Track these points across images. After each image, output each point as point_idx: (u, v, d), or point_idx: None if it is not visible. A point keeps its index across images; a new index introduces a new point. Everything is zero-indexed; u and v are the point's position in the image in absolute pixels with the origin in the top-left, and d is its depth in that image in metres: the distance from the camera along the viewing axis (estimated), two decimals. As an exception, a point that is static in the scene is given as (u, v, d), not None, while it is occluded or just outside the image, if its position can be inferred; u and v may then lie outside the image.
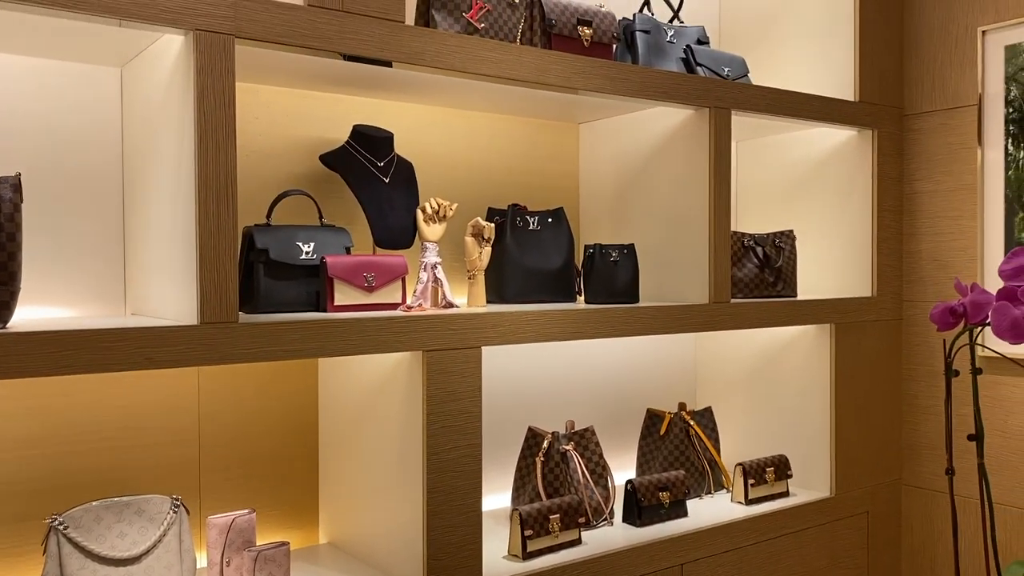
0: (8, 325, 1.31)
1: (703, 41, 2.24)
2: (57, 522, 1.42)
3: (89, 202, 1.66)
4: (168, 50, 1.46)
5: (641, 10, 2.20)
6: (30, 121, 1.59)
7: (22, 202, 1.31)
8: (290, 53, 1.53)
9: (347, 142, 1.88)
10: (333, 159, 1.87)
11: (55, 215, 1.62)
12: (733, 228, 2.63)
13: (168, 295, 1.49)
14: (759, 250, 2.28)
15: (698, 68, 2.14)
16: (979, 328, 1.49)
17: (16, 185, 1.28)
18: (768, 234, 2.31)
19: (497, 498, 2.20)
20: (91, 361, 1.26)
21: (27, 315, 1.59)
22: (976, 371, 1.39)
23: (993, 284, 2.31)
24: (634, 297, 2.02)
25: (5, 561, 1.56)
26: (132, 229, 1.66)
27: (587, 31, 1.93)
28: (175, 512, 1.53)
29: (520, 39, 1.88)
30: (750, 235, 2.28)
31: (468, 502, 1.65)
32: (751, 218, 2.65)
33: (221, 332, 1.38)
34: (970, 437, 1.37)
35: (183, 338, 1.34)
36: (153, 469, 1.73)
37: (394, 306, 1.75)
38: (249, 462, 1.84)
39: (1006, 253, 2.29)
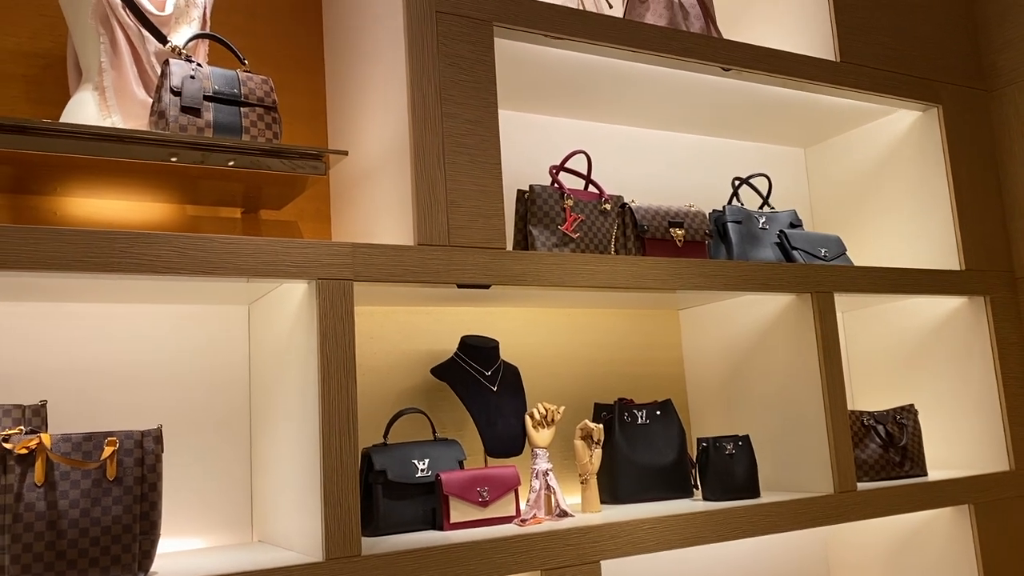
0: (147, 574, 1.37)
1: (796, 224, 2.27)
2: None
3: (218, 434, 1.76)
4: (293, 292, 1.59)
5: (731, 200, 2.26)
6: (163, 361, 1.73)
7: (163, 452, 1.40)
8: (403, 288, 1.64)
9: (456, 354, 1.95)
10: (443, 372, 1.94)
11: (186, 450, 1.72)
12: (850, 407, 2.55)
13: (293, 525, 1.55)
14: (881, 429, 2.19)
15: (794, 252, 2.16)
16: None
17: (158, 436, 1.38)
18: (888, 411, 2.23)
19: None
20: (224, 607, 1.30)
21: (159, 547, 1.66)
22: None
23: None
24: (754, 491, 1.95)
25: None
26: (259, 459, 1.74)
27: (679, 232, 1.99)
28: None
29: (614, 245, 1.96)
30: (869, 413, 2.21)
31: None
32: (867, 393, 2.56)
33: (346, 568, 1.41)
34: None
35: (309, 577, 1.38)
36: None
37: (509, 519, 1.75)
38: None
39: None
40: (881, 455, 2.17)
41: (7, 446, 1.29)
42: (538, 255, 1.74)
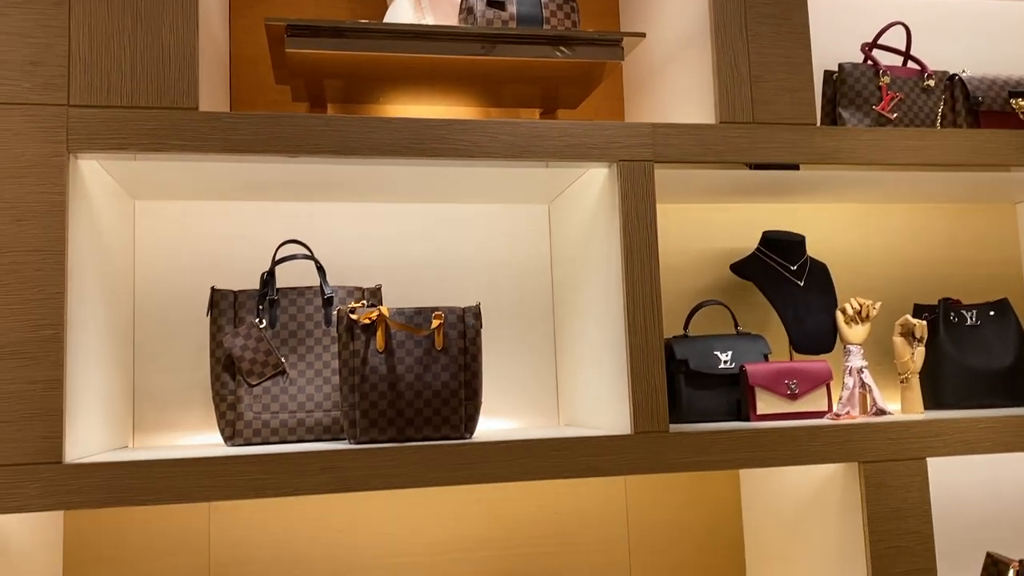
0: (472, 436, 1.48)
1: None
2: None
3: (523, 325, 1.85)
4: (590, 185, 1.61)
5: (1086, 69, 1.93)
6: (474, 256, 1.84)
7: (482, 327, 1.50)
8: (699, 171, 1.59)
9: (757, 249, 1.88)
10: (744, 268, 1.88)
11: (495, 340, 1.83)
12: None
13: (600, 407, 1.59)
14: None
15: None
16: None
17: (477, 313, 1.48)
18: None
19: (952, 635, 1.92)
20: (543, 468, 1.38)
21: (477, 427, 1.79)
22: None
23: None
24: (1117, 400, 1.69)
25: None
26: (563, 346, 1.81)
27: (1023, 103, 1.74)
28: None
29: (940, 122, 1.75)
30: None
31: (925, 637, 1.46)
32: None
33: (654, 442, 1.42)
34: None
35: (620, 448, 1.41)
36: (586, 572, 1.80)
37: (820, 414, 1.67)
38: (676, 572, 1.84)
39: None
40: None
41: (354, 317, 1.45)
42: (853, 130, 1.60)
